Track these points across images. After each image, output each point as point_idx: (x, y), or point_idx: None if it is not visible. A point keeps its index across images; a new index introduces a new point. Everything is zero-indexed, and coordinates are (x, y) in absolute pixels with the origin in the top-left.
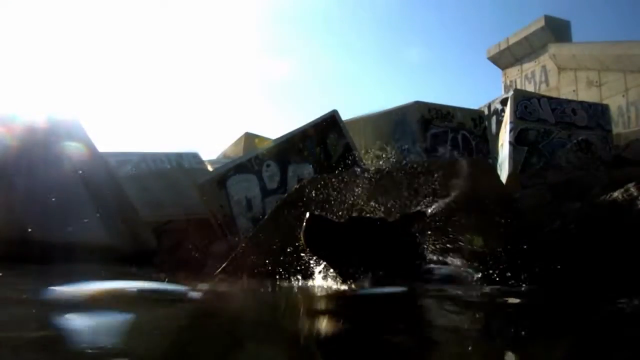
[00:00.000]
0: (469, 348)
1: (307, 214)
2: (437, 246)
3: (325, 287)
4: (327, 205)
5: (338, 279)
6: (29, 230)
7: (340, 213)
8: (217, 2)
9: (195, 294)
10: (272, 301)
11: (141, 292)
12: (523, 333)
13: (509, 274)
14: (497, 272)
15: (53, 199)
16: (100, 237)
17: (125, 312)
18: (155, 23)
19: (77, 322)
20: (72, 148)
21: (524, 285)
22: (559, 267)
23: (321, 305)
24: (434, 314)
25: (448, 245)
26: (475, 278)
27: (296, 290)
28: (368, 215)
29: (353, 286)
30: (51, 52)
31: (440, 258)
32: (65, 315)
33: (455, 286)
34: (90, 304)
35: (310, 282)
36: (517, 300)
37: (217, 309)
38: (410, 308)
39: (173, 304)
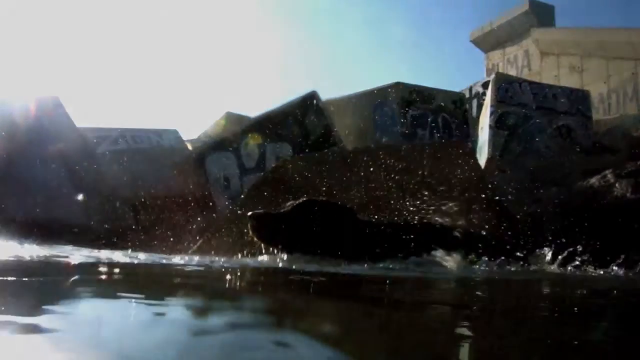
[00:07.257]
0: None
1: (250, 214)
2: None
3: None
4: (304, 186)
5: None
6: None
7: (317, 193)
8: None
9: None
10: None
11: None
12: None
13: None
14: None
15: (30, 176)
16: (76, 215)
17: None
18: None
19: None
20: (50, 124)
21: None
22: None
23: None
24: None
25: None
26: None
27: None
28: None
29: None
30: (28, 27)
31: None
32: None
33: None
34: None
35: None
36: None
37: None
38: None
39: None
